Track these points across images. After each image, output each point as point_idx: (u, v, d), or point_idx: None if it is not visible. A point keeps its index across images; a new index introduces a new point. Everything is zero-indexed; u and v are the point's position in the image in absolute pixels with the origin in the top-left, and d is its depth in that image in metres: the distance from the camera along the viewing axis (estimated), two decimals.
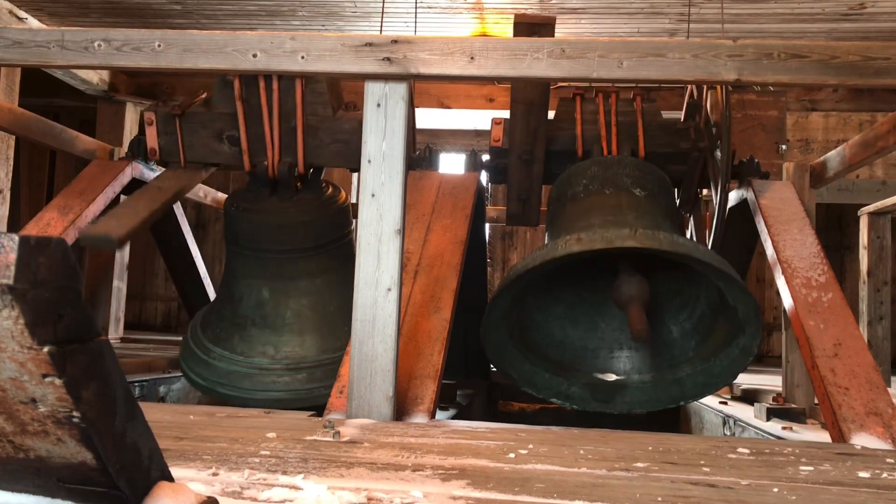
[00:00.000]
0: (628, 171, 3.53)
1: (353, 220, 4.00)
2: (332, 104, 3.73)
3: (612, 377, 3.30)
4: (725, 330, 3.14)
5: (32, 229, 3.52)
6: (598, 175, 3.52)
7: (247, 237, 3.67)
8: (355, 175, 6.77)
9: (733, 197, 3.86)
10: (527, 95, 3.66)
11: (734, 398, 4.26)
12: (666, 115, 4.04)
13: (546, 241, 3.46)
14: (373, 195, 2.40)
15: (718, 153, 3.71)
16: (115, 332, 5.28)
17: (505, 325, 3.14)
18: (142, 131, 4.14)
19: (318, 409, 2.45)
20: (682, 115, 4.16)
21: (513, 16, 4.01)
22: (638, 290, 3.05)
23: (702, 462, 1.81)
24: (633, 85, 3.94)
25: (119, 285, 5.22)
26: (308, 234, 3.67)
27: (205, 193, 5.35)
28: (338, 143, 3.72)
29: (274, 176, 3.66)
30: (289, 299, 3.64)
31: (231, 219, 3.73)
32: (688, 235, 4.26)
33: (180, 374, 3.85)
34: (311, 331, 3.61)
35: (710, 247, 3.79)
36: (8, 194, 4.94)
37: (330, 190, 3.87)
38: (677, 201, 4.02)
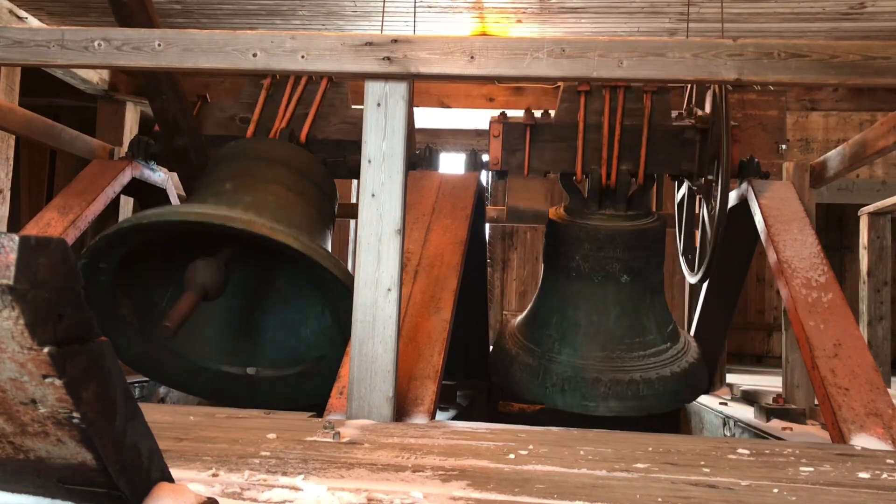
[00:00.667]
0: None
1: None
2: None
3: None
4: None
5: (32, 229, 3.52)
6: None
7: None
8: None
9: (733, 197, 3.86)
10: None
11: (734, 399, 4.26)
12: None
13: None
14: (373, 195, 2.39)
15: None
16: None
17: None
18: (142, 131, 4.18)
19: (318, 410, 2.45)
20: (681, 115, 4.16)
21: (513, 15, 4.01)
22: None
23: (702, 463, 1.80)
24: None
25: None
26: None
27: None
28: None
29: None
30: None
31: None
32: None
33: None
34: None
35: (710, 247, 3.80)
36: (8, 194, 4.94)
37: None
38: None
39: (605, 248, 3.81)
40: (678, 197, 4.67)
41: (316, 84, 4.06)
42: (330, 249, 3.60)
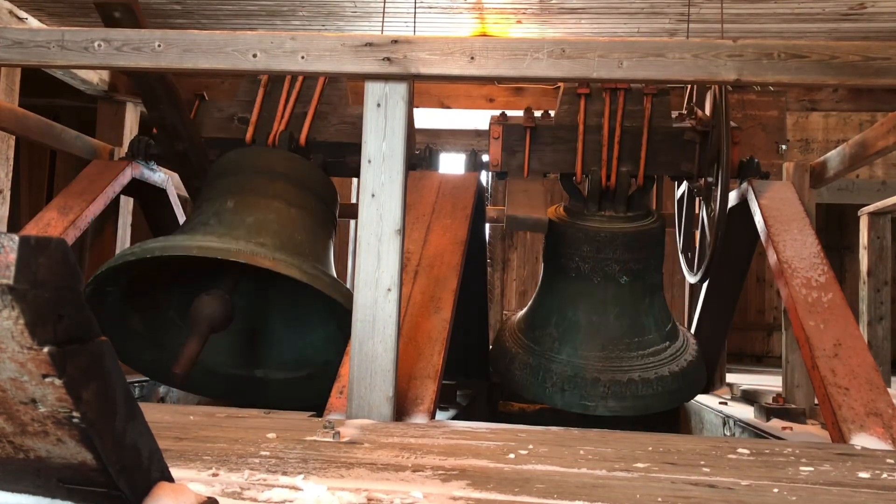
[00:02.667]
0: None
1: None
2: None
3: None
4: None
5: (32, 229, 3.52)
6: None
7: None
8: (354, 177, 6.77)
9: (733, 197, 3.86)
10: None
11: (734, 399, 4.26)
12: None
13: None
14: (373, 195, 2.39)
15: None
16: None
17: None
18: (142, 131, 4.19)
19: (318, 410, 2.45)
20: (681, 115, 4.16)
21: (513, 16, 4.00)
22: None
23: (702, 462, 1.80)
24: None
25: None
26: None
27: None
28: None
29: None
30: None
31: None
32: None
33: None
34: None
35: (710, 247, 3.80)
36: (8, 194, 4.94)
37: None
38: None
39: (605, 250, 3.82)
40: (678, 195, 4.67)
41: (314, 80, 4.05)
42: (332, 256, 3.65)
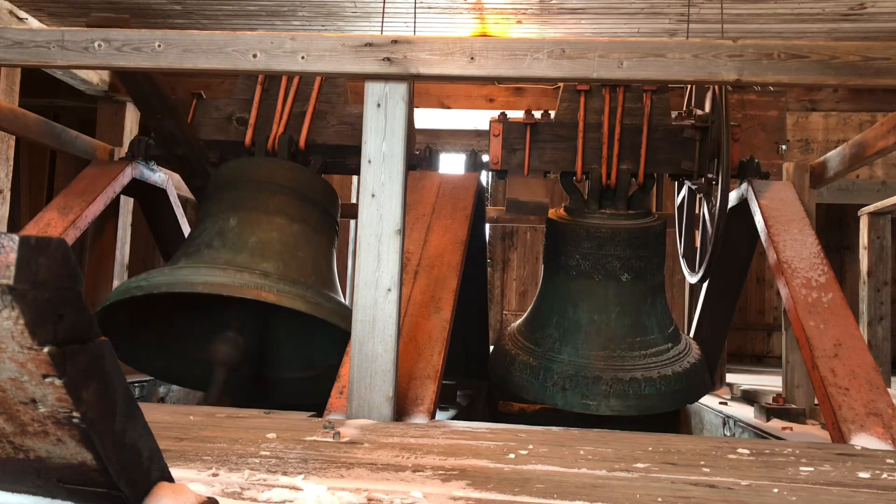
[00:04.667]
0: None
1: None
2: None
3: None
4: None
5: (32, 229, 3.52)
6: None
7: None
8: (355, 175, 6.78)
9: (733, 197, 3.86)
10: None
11: (734, 399, 4.26)
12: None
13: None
14: (373, 195, 2.39)
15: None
16: None
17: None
18: (142, 132, 4.18)
19: (318, 410, 2.45)
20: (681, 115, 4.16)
21: (513, 16, 4.00)
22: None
23: (702, 462, 1.80)
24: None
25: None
26: None
27: None
28: None
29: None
30: None
31: None
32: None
33: None
34: None
35: (710, 247, 3.79)
36: (8, 194, 4.94)
37: None
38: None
39: (606, 246, 3.80)
40: (678, 200, 4.67)
41: (311, 78, 4.02)
42: (335, 263, 3.71)
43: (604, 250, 3.80)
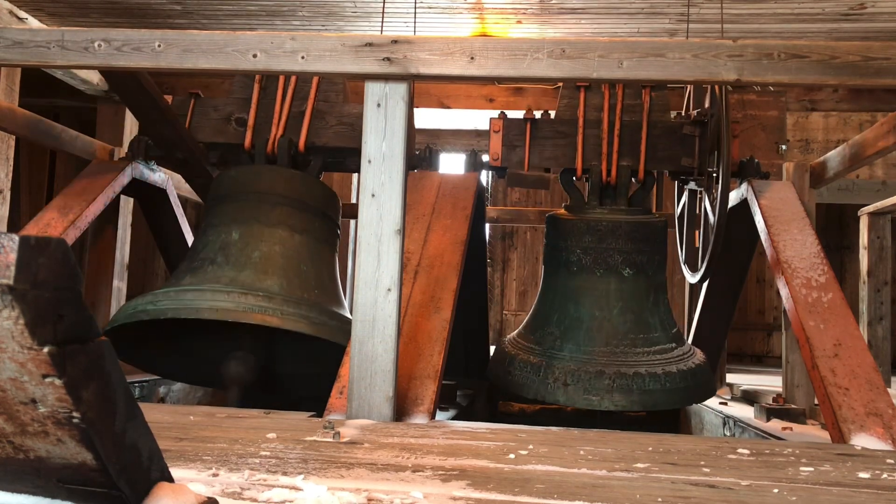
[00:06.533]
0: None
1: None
2: None
3: None
4: None
5: (32, 229, 3.52)
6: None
7: None
8: (355, 175, 6.78)
9: (733, 197, 3.86)
10: None
11: (734, 399, 4.26)
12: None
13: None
14: (373, 195, 2.39)
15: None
16: None
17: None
18: (143, 131, 4.18)
19: (318, 410, 2.45)
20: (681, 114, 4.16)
21: (513, 16, 4.00)
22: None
23: (702, 462, 1.80)
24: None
25: (119, 285, 5.21)
26: None
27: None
28: None
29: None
30: None
31: None
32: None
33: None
34: None
35: (710, 248, 3.79)
36: (8, 194, 4.94)
37: None
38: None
39: (607, 239, 3.76)
40: (679, 208, 4.66)
41: (310, 77, 4.01)
42: (337, 269, 3.73)
43: (605, 243, 3.76)
